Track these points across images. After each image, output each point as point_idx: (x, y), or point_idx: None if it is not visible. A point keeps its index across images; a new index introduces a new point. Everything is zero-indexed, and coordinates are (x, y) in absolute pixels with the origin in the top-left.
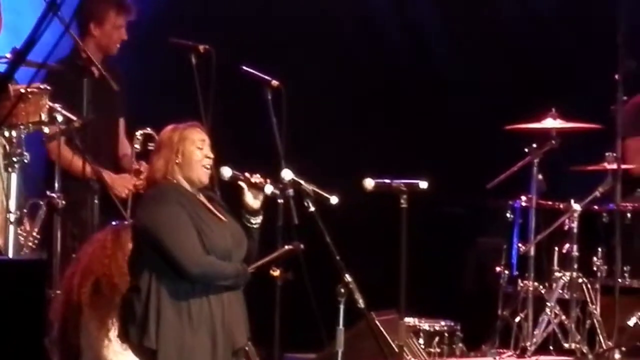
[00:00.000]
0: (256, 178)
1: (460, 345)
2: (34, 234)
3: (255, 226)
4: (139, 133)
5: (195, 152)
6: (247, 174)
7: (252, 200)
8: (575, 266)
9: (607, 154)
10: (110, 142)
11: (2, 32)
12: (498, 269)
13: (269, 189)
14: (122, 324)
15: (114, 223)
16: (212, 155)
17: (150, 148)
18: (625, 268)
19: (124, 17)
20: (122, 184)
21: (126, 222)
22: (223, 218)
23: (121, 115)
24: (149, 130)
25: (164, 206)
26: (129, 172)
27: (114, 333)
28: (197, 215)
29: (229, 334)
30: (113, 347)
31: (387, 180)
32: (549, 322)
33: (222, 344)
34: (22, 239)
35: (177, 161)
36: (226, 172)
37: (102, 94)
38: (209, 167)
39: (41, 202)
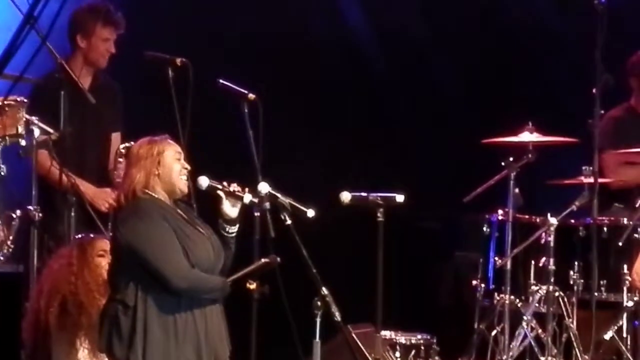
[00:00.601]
0: (234, 187)
1: (437, 358)
2: (8, 243)
3: (232, 235)
4: (122, 146)
5: (175, 164)
6: (225, 183)
7: (230, 209)
8: (552, 280)
9: (584, 167)
10: (96, 154)
11: None
12: (474, 282)
13: (247, 197)
14: (106, 338)
15: (78, 236)
16: (189, 167)
17: None
18: (601, 282)
19: (111, 30)
20: (103, 197)
21: (92, 235)
22: (202, 231)
23: (114, 130)
24: (132, 144)
25: (148, 222)
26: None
27: (82, 353)
28: (180, 229)
29: (212, 347)
30: None
31: (364, 194)
32: (525, 336)
33: (206, 358)
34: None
35: (156, 173)
36: (203, 181)
37: (88, 107)
38: (186, 177)
39: (14, 215)
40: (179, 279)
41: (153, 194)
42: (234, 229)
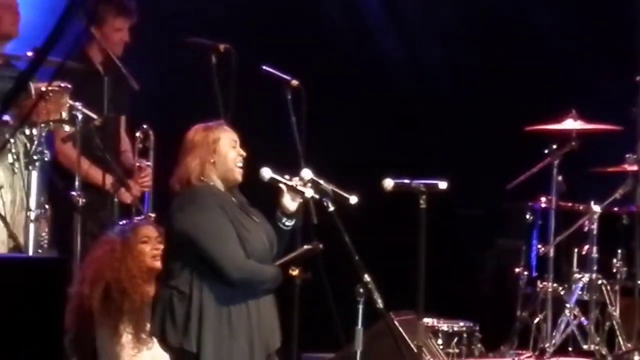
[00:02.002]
0: (296, 181)
1: (479, 345)
2: (46, 230)
3: (288, 228)
4: (138, 131)
5: (230, 151)
6: (287, 177)
7: (290, 202)
8: (595, 268)
9: (627, 155)
10: (115, 139)
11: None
12: (517, 270)
13: (309, 192)
14: (160, 323)
15: (121, 222)
16: (244, 154)
17: (146, 146)
18: None
19: (124, 20)
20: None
21: (135, 221)
22: (257, 220)
23: (123, 113)
24: (146, 127)
25: (205, 210)
26: (127, 168)
27: (126, 338)
28: (236, 219)
29: (264, 337)
30: (126, 352)
31: (407, 181)
32: (568, 324)
33: (258, 348)
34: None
35: (212, 161)
36: (266, 173)
37: (111, 93)
38: (242, 165)
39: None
40: (234, 269)
41: (208, 182)
42: (291, 222)
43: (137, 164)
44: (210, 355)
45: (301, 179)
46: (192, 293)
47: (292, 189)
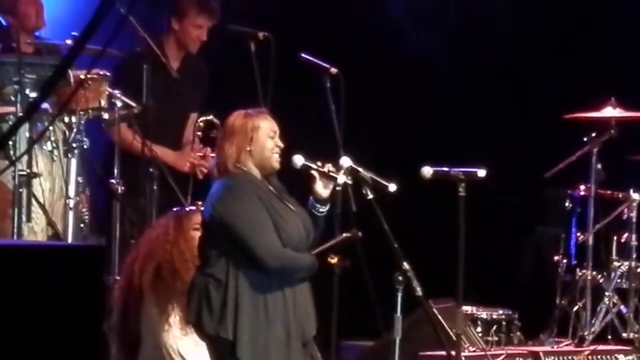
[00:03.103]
0: (328, 167)
1: (518, 333)
2: (85, 218)
3: (322, 214)
4: (200, 120)
5: (268, 141)
6: (319, 163)
7: (322, 189)
8: (634, 255)
9: None
10: (173, 132)
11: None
12: (556, 258)
13: (341, 178)
14: (196, 310)
15: (175, 209)
16: (282, 145)
17: (212, 135)
18: None
19: (205, 18)
20: (184, 159)
21: (188, 208)
22: (294, 208)
23: (193, 110)
24: (210, 117)
25: (242, 199)
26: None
27: (174, 318)
28: (273, 207)
29: (300, 325)
30: (173, 333)
31: (446, 169)
32: (607, 312)
33: (295, 335)
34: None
35: (248, 149)
36: (298, 160)
37: (170, 84)
38: (279, 154)
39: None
40: (271, 257)
41: (245, 169)
42: (325, 208)
43: (200, 152)
44: (247, 343)
45: (340, 167)
46: (228, 281)
47: (325, 175)
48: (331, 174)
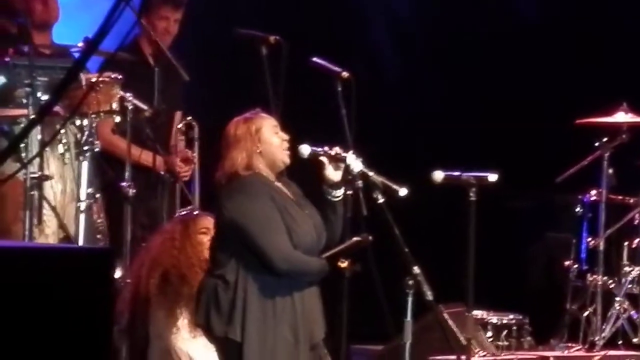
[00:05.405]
0: (336, 150)
1: (529, 338)
2: (99, 221)
3: (338, 199)
4: (180, 125)
5: (274, 137)
6: (326, 148)
7: (333, 173)
8: None
9: None
10: (166, 132)
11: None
12: (567, 263)
13: (350, 157)
14: (204, 312)
15: (182, 213)
16: (287, 137)
17: (191, 137)
18: None
19: (169, 9)
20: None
21: (195, 212)
22: (307, 211)
23: (178, 109)
24: (190, 118)
25: (254, 200)
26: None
27: (182, 322)
28: (284, 209)
29: (309, 328)
30: (181, 335)
31: (457, 173)
32: (617, 317)
33: (303, 338)
34: (98, 224)
35: (258, 151)
36: (305, 150)
37: (158, 86)
38: (287, 148)
39: (97, 195)
40: (281, 260)
41: (257, 172)
42: (340, 192)
43: (186, 155)
44: (255, 345)
45: (351, 170)
46: (237, 282)
47: (333, 158)
48: (339, 155)
